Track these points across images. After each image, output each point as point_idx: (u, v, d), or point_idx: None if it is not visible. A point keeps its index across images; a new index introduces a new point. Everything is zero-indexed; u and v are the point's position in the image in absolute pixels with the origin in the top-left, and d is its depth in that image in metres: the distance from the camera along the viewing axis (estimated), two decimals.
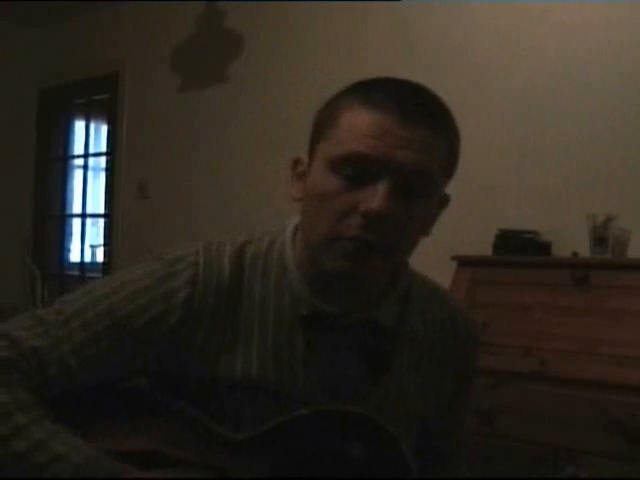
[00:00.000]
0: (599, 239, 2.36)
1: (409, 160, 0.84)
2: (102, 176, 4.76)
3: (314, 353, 0.92)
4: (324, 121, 0.90)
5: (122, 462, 0.84)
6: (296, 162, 0.96)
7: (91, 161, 4.84)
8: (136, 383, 0.95)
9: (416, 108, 0.86)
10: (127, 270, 0.95)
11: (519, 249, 2.47)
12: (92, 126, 4.85)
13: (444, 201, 0.94)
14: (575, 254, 2.38)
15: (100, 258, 4.64)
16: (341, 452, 0.87)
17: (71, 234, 4.87)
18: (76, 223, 4.86)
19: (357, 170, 0.84)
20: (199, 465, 0.86)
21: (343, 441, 0.87)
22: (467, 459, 1.11)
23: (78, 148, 4.88)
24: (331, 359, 0.93)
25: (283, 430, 0.87)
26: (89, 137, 4.84)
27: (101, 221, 4.69)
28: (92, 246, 4.74)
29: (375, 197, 0.83)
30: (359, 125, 0.85)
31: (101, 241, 4.62)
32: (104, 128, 4.74)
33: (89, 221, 4.81)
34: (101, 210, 4.70)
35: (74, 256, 4.83)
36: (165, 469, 0.86)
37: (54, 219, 4.86)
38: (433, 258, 2.62)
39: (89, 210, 4.78)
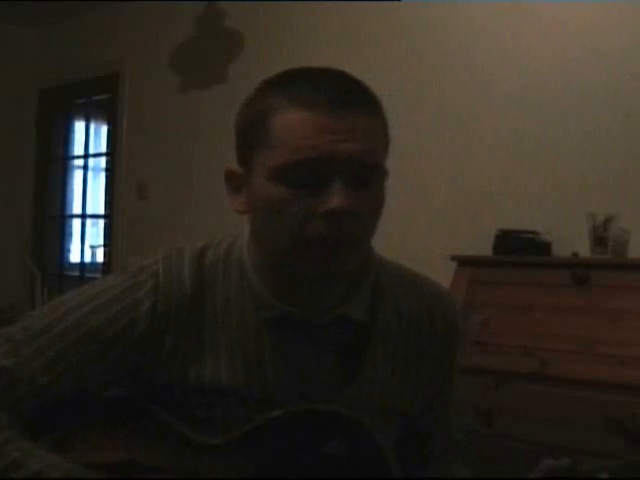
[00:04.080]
0: (599, 239, 2.36)
1: (354, 152, 0.82)
2: (102, 176, 4.76)
3: (283, 354, 0.91)
4: (252, 127, 0.86)
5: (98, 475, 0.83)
6: (229, 174, 0.92)
7: (91, 161, 4.84)
8: (110, 393, 0.94)
9: (346, 96, 0.83)
10: (93, 284, 0.94)
11: (519, 249, 2.47)
12: (92, 126, 4.85)
13: (386, 176, 0.90)
14: (575, 254, 2.38)
15: (100, 258, 4.64)
16: (318, 451, 0.86)
17: (71, 234, 4.87)
18: (76, 223, 4.86)
19: (304, 175, 0.82)
20: (176, 472, 0.86)
21: (319, 440, 0.86)
22: (462, 453, 1.09)
23: (78, 148, 4.87)
24: (301, 358, 0.92)
25: (258, 433, 0.86)
26: (89, 137, 4.84)
27: (101, 221, 4.69)
28: (92, 246, 4.74)
29: (331, 196, 0.81)
30: (294, 128, 0.82)
31: (101, 241, 4.62)
32: (104, 128, 4.74)
33: (89, 221, 4.81)
34: (101, 210, 4.70)
35: (74, 256, 4.83)
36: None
37: (54, 219, 4.86)
38: (433, 258, 2.63)
39: (89, 210, 4.78)
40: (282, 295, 0.91)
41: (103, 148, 4.75)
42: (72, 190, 4.85)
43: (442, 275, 2.25)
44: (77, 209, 4.84)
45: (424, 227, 2.91)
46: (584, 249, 2.39)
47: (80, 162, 4.85)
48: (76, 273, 4.70)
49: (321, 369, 0.93)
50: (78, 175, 4.84)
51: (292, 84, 0.86)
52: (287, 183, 0.82)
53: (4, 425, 0.84)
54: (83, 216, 4.79)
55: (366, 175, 0.84)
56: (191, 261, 0.93)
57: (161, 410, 0.90)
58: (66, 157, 4.88)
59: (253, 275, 0.92)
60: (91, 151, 4.84)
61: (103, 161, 4.75)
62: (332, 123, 0.81)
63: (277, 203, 0.83)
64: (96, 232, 4.77)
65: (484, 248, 2.56)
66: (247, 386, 0.90)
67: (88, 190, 4.76)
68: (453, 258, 2.54)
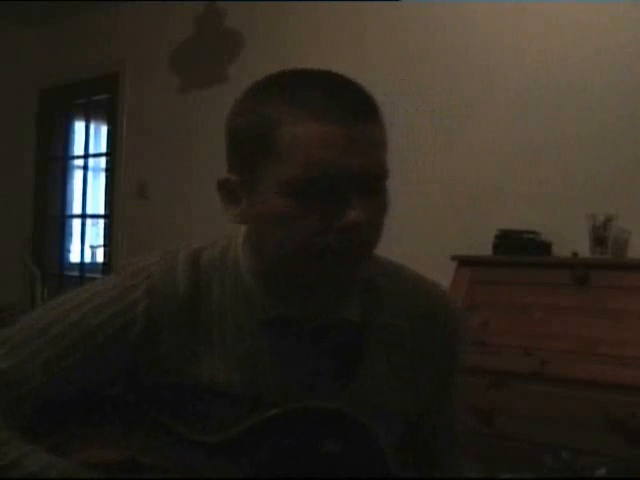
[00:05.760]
0: (599, 239, 2.36)
1: (369, 164, 0.82)
2: (102, 176, 4.76)
3: (278, 356, 0.91)
4: (256, 137, 0.82)
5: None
6: (224, 183, 0.88)
7: (91, 161, 4.84)
8: (108, 392, 0.94)
9: (354, 105, 0.82)
10: (91, 285, 0.94)
11: (519, 249, 2.47)
12: (92, 126, 4.85)
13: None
14: (575, 254, 2.38)
15: (100, 258, 4.64)
16: (316, 449, 0.86)
17: (71, 234, 4.87)
18: (76, 223, 4.86)
19: (318, 190, 0.80)
20: (174, 470, 0.86)
21: (317, 438, 0.86)
22: (463, 455, 1.10)
23: (78, 148, 4.87)
24: (297, 360, 0.92)
25: (256, 431, 0.86)
26: (89, 137, 4.84)
27: (101, 221, 4.69)
28: (92, 246, 4.74)
29: (349, 210, 0.80)
30: (306, 142, 0.79)
31: (101, 241, 4.63)
32: (104, 128, 4.74)
33: (89, 221, 4.81)
34: (101, 210, 4.71)
35: (74, 256, 4.83)
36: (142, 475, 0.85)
37: (54, 219, 4.86)
38: (433, 258, 2.63)
39: (89, 210, 4.78)
40: (278, 298, 0.91)
41: (103, 148, 4.75)
42: (72, 190, 4.85)
43: (442, 275, 2.25)
44: (77, 209, 4.84)
45: (424, 227, 2.91)
46: (584, 249, 2.39)
47: (80, 162, 4.85)
48: (76, 273, 4.70)
49: (317, 371, 0.93)
50: (78, 175, 4.84)
51: (295, 91, 0.82)
52: (300, 197, 0.80)
53: (1, 426, 0.84)
54: (83, 216, 4.79)
55: (377, 184, 0.84)
56: (186, 262, 0.93)
57: (157, 409, 0.90)
58: (66, 157, 4.88)
59: (248, 278, 0.92)
60: (91, 151, 4.84)
61: (103, 161, 4.75)
62: (344, 136, 0.79)
63: (288, 217, 0.81)
64: (96, 232, 4.77)
65: (484, 248, 2.57)
66: (245, 388, 0.90)
67: (88, 190, 4.76)
68: (453, 258, 2.54)
